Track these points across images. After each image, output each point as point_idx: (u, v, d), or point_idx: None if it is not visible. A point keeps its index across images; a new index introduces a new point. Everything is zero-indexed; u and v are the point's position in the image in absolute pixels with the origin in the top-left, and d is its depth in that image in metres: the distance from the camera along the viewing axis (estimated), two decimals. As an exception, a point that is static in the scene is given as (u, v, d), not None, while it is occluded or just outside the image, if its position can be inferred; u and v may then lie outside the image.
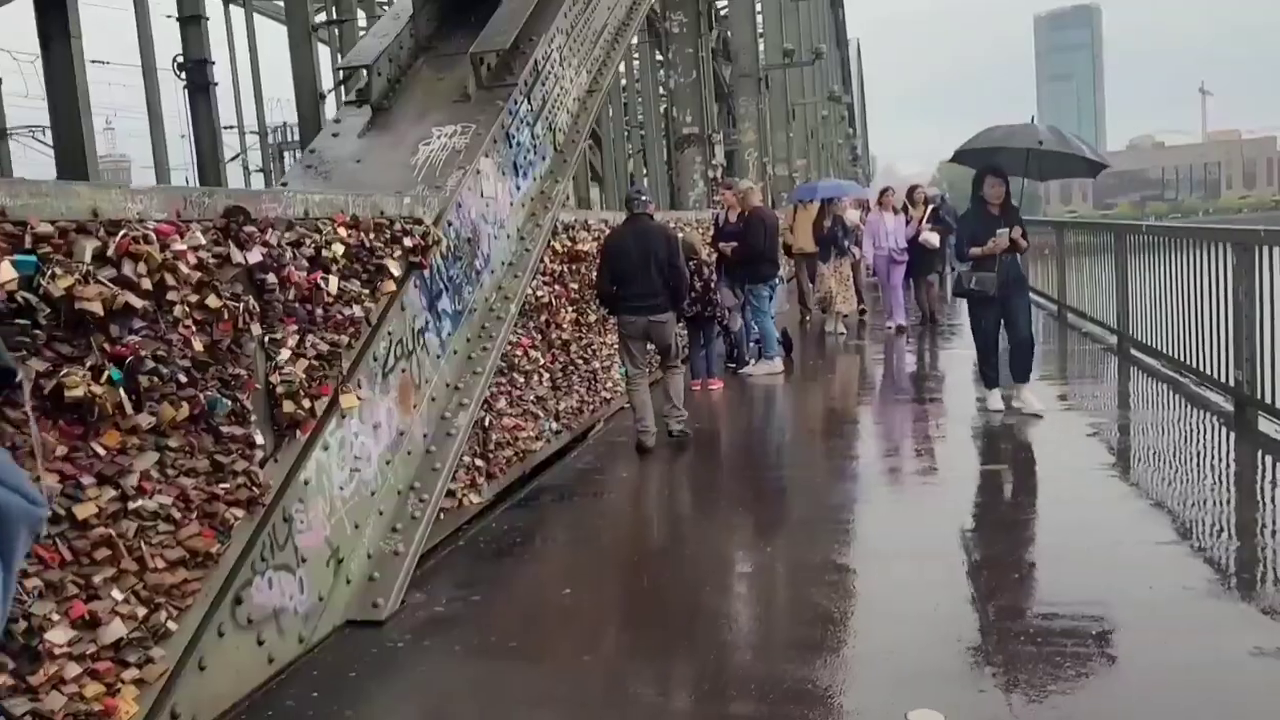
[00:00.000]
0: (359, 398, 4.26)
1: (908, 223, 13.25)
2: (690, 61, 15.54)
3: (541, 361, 7.06)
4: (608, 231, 9.08)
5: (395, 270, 4.48)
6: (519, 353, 6.62)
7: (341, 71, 7.46)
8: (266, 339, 3.74)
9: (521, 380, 6.70)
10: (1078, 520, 5.15)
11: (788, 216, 14.68)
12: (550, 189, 7.44)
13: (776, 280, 10.92)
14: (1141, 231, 9.91)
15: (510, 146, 6.88)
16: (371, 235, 4.44)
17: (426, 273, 5.49)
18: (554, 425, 7.37)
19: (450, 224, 5.83)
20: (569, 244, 7.70)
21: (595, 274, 7.52)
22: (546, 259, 7.20)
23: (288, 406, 3.75)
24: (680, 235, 10.67)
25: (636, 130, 28.16)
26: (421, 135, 6.27)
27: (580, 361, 8.00)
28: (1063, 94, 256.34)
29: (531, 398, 6.87)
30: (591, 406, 8.31)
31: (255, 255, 3.54)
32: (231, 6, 19.51)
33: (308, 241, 3.91)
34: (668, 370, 7.89)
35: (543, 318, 7.20)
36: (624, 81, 28.50)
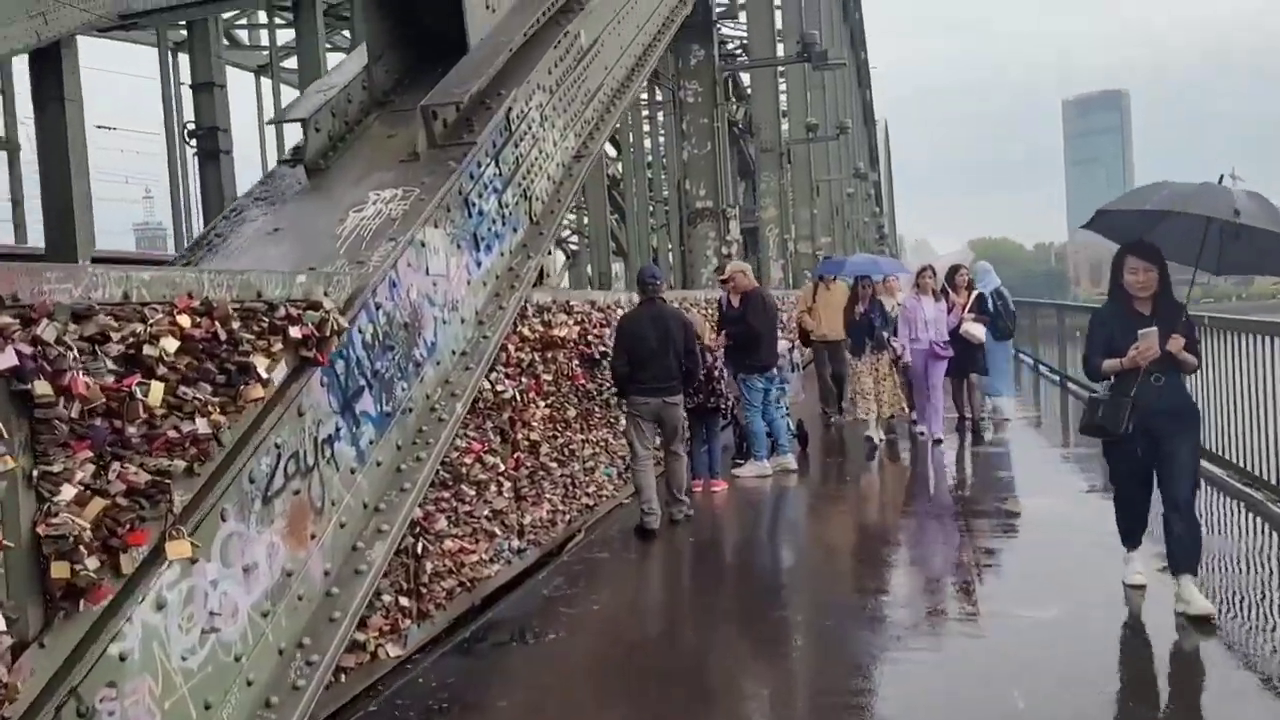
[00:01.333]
0: (194, 544, 3.15)
1: (949, 311, 10.88)
2: (705, 132, 14.68)
3: (501, 469, 5.95)
4: (621, 312, 8.26)
5: (264, 369, 3.41)
6: (468, 460, 5.51)
7: (276, 127, 6.49)
8: (36, 473, 2.66)
9: (471, 493, 5.57)
10: None
11: (805, 295, 13.01)
12: (521, 265, 6.40)
13: (775, 372, 9.81)
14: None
15: (469, 215, 5.86)
16: (236, 325, 3.38)
17: (342, 366, 4.42)
18: (516, 543, 6.22)
19: (379, 306, 4.77)
20: (542, 329, 6.63)
21: (611, 354, 7.59)
22: (511, 347, 6.13)
23: (58, 570, 2.65)
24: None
25: (661, 205, 27.48)
26: (356, 200, 5.26)
27: (554, 465, 6.87)
28: (1090, 177, 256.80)
29: (485, 513, 5.73)
30: (568, 516, 7.16)
31: (8, 358, 2.48)
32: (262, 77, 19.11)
33: (117, 335, 2.86)
34: (671, 456, 7.77)
35: (505, 415, 6.10)
36: (649, 154, 27.93)
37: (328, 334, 3.90)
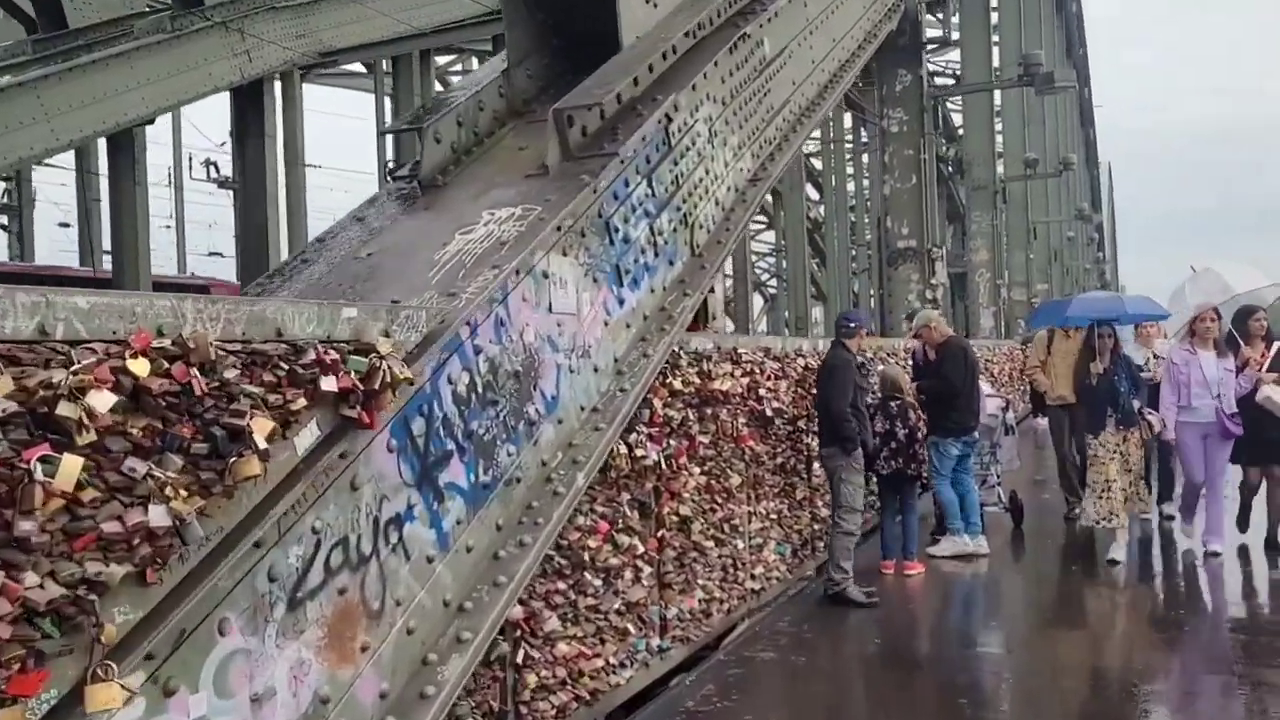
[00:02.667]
0: (131, 689, 2.22)
1: (1239, 370, 7.72)
2: (910, 165, 13.27)
3: (639, 551, 4.85)
4: (803, 361, 7.49)
5: (262, 436, 2.46)
6: (594, 542, 4.44)
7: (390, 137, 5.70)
8: None
9: (597, 583, 4.50)
10: None
11: (1039, 346, 10.15)
12: (676, 304, 5.34)
13: (974, 435, 8.34)
14: None
15: (611, 242, 4.85)
16: (232, 373, 2.46)
17: (420, 426, 3.47)
18: (656, 641, 5.09)
19: (479, 350, 3.81)
20: (700, 381, 5.52)
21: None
22: (658, 402, 5.05)
23: None
24: (882, 368, 8.34)
25: (864, 249, 26.04)
26: (467, 221, 4.35)
27: (710, 544, 5.72)
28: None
29: (615, 607, 4.64)
30: (726, 605, 5.98)
31: None
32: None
33: (15, 385, 1.97)
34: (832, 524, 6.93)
35: (647, 486, 5.01)
36: (852, 196, 26.56)
37: (378, 387, 2.93)
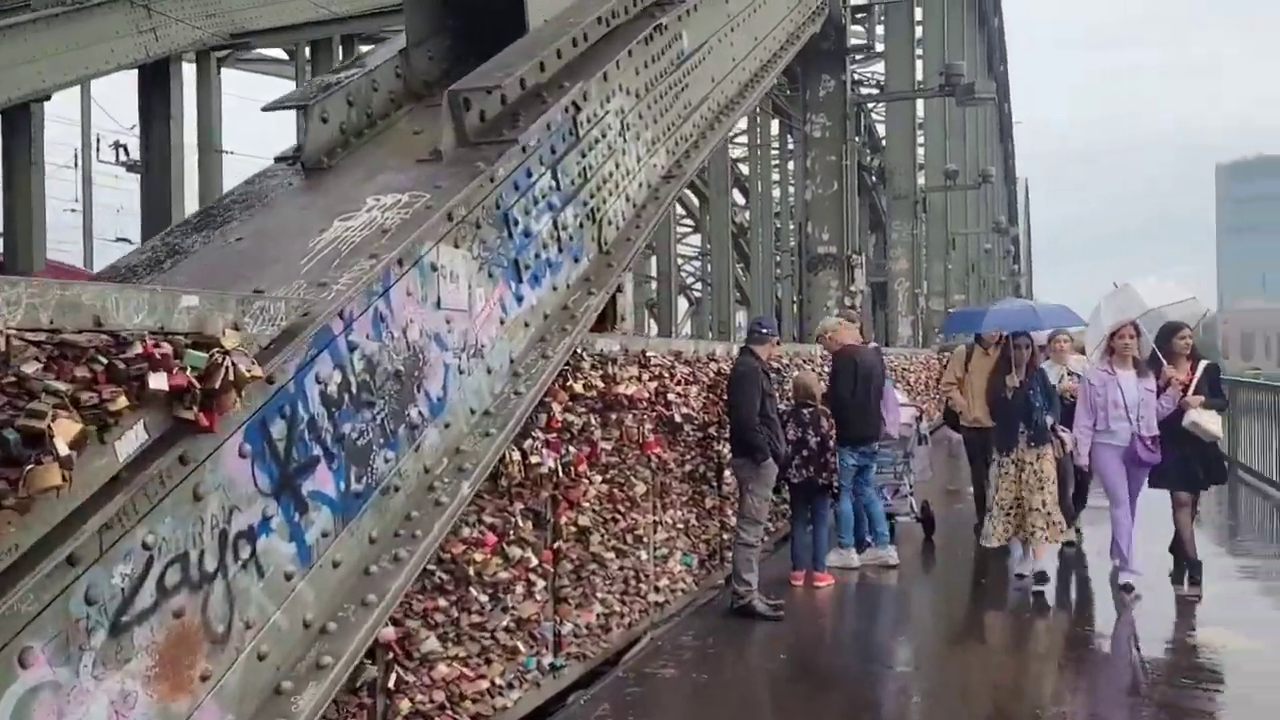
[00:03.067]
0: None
1: (1160, 391, 7.15)
2: (832, 170, 13.20)
3: (532, 563, 4.56)
4: (716, 366, 7.24)
5: (64, 441, 2.11)
6: (478, 556, 4.13)
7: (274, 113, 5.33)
8: None
9: (484, 599, 4.20)
10: None
11: (956, 362, 9.48)
12: (580, 304, 5.07)
13: (873, 446, 8.21)
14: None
15: (509, 236, 4.55)
16: (32, 367, 2.12)
17: (280, 429, 3.14)
18: (549, 659, 4.81)
19: (354, 347, 3.48)
20: (603, 384, 5.25)
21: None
22: (556, 407, 4.77)
23: None
24: (795, 374, 8.19)
25: (788, 255, 26.11)
26: (349, 207, 4.02)
27: (611, 556, 5.45)
28: (1246, 245, 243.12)
29: (504, 623, 4.34)
30: (628, 620, 5.71)
31: None
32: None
33: None
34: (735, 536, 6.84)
35: (542, 495, 4.72)
36: (777, 202, 26.60)
37: (219, 386, 2.59)
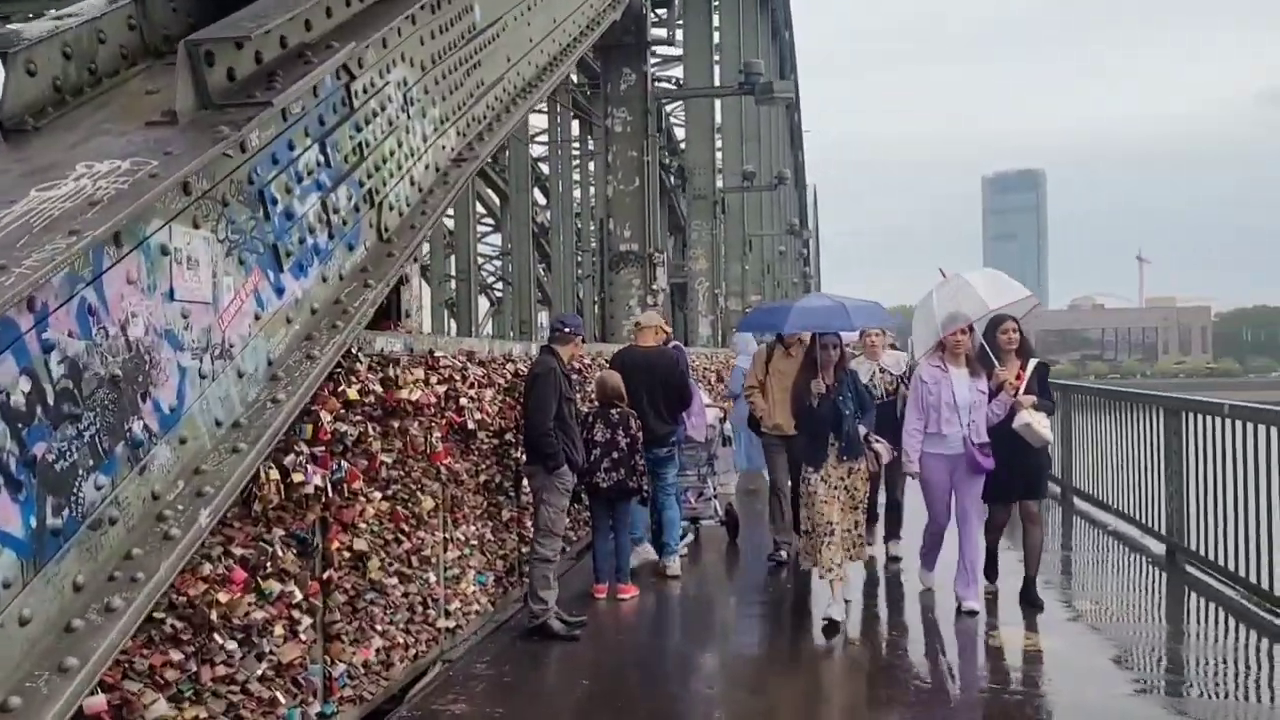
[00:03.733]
0: None
1: (993, 394, 6.54)
2: (633, 166, 12.90)
3: (295, 598, 3.91)
4: (512, 366, 6.76)
5: None
6: (223, 597, 3.46)
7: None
8: None
9: (231, 646, 3.52)
10: None
11: (757, 363, 8.52)
12: (354, 297, 4.44)
13: (666, 450, 7.94)
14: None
15: (266, 216, 3.89)
16: None
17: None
18: (317, 708, 4.16)
19: (50, 346, 2.77)
20: (383, 389, 4.64)
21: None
22: (326, 416, 4.13)
23: None
24: (599, 374, 7.78)
25: (589, 255, 25.82)
26: (53, 174, 3.26)
27: (393, 581, 4.85)
28: (1008, 252, 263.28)
29: (258, 672, 3.68)
30: (414, 651, 5.12)
31: None
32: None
33: None
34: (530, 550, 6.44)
35: (308, 518, 4.08)
36: (578, 203, 26.26)
37: None
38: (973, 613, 6.49)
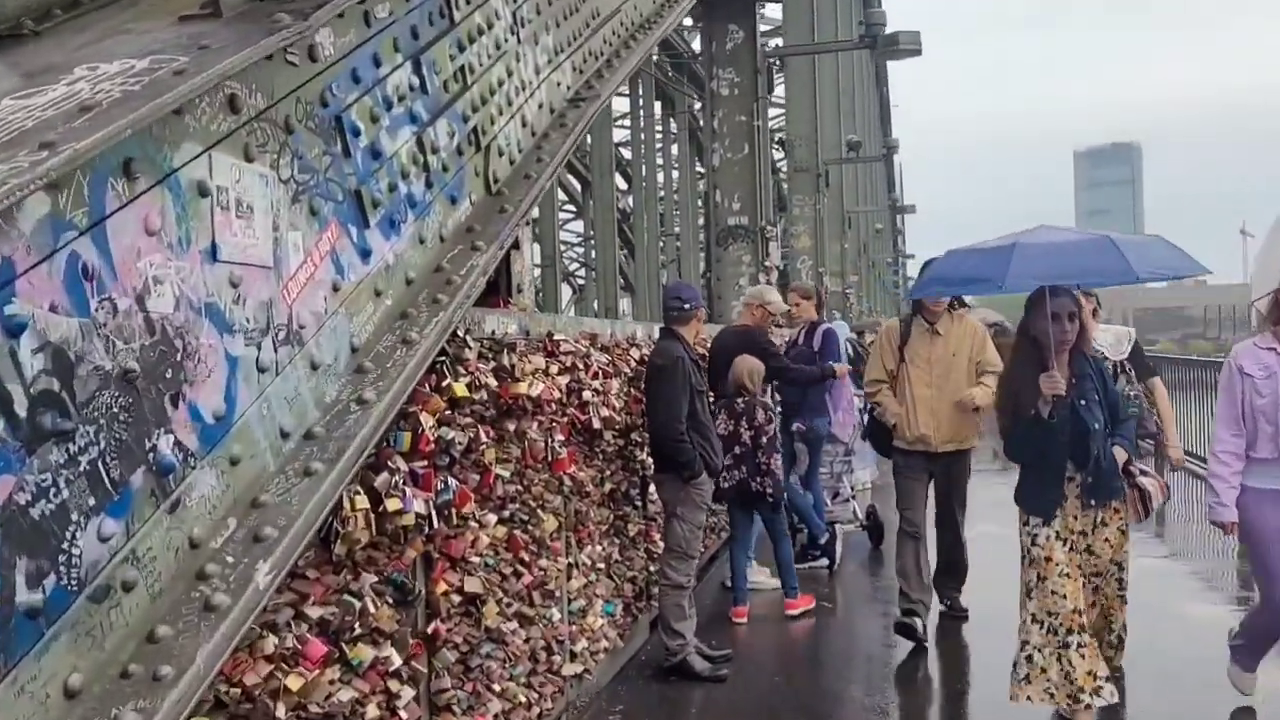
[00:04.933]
0: None
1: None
2: (742, 132, 11.73)
3: (394, 665, 2.90)
4: (637, 351, 5.76)
5: None
6: (292, 683, 2.45)
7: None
8: None
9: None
10: None
11: (884, 345, 6.00)
12: (459, 264, 3.40)
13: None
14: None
15: (346, 153, 2.87)
16: None
17: None
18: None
19: (16, 326, 1.77)
20: (496, 382, 3.61)
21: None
22: (427, 419, 3.10)
23: None
24: (736, 360, 6.64)
25: (671, 240, 24.78)
26: (45, 79, 2.28)
27: (513, 626, 3.81)
28: (1102, 228, 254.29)
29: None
30: (538, 710, 4.08)
31: None
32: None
33: None
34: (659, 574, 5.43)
35: (407, 556, 3.06)
36: (661, 187, 25.21)
37: None
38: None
